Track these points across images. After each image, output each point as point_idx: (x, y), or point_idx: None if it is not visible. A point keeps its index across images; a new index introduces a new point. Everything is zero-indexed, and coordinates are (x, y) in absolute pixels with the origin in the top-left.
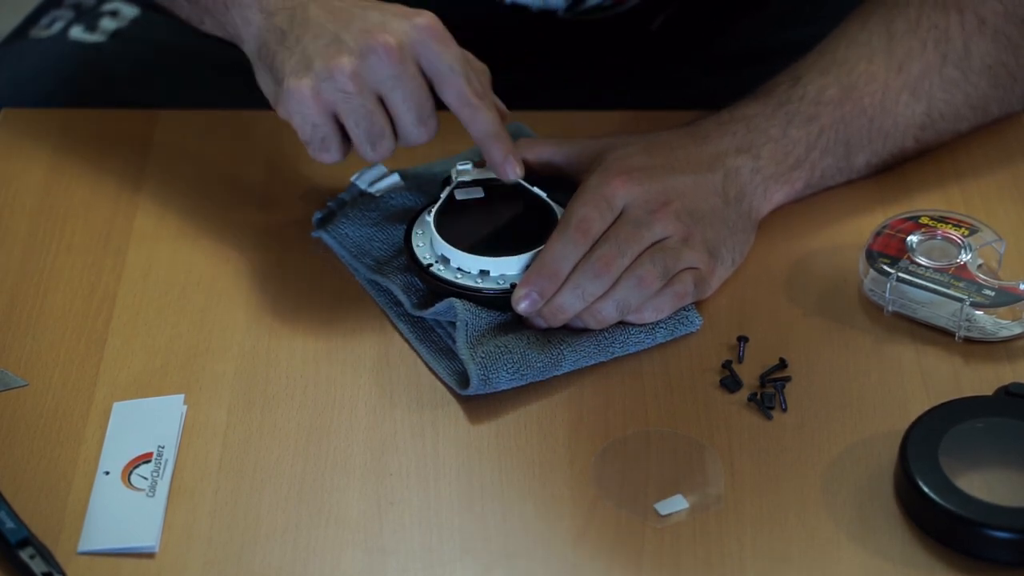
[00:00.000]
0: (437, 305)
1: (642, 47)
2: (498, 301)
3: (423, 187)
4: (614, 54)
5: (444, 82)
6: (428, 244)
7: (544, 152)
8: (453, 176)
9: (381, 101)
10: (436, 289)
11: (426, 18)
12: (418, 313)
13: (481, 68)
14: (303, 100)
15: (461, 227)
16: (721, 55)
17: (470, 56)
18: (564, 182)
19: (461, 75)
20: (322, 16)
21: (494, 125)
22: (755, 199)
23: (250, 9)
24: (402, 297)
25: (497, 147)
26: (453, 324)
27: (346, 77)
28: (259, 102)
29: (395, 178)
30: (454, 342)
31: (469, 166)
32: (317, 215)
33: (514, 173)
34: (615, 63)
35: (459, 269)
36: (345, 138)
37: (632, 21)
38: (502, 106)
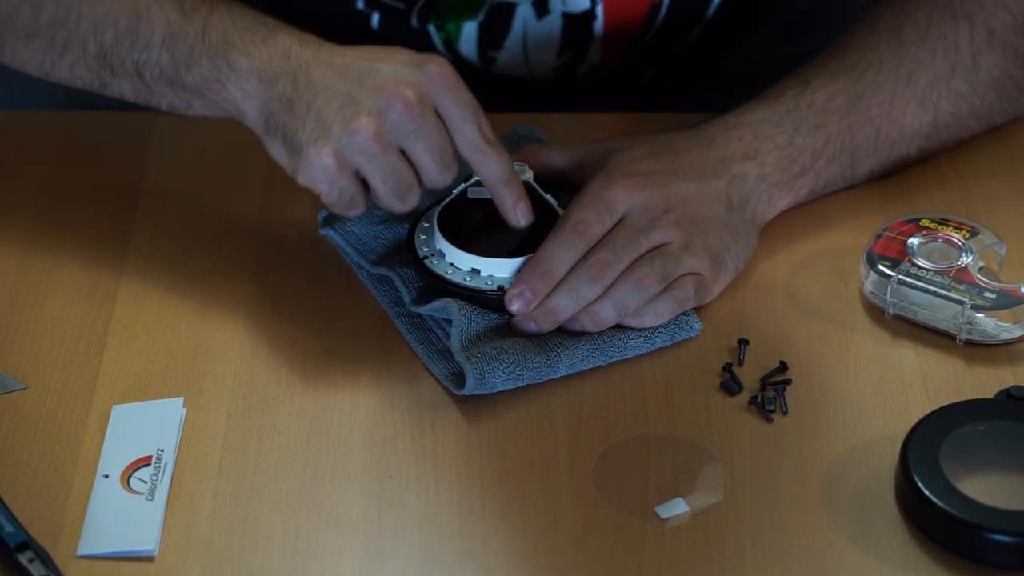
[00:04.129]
0: (434, 303)
1: (632, 98)
2: (491, 302)
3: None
4: (605, 104)
5: (457, 129)
6: (429, 237)
7: (550, 156)
8: (473, 174)
9: (402, 152)
10: (429, 284)
11: (437, 64)
12: (416, 309)
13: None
14: (327, 168)
15: (464, 224)
16: (713, 77)
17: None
18: (572, 186)
19: (474, 122)
20: (329, 76)
21: (506, 170)
22: (759, 206)
23: (248, 81)
24: (402, 289)
25: (508, 192)
26: (451, 323)
27: (368, 139)
28: None
29: None
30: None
31: None
32: (323, 214)
33: (524, 219)
34: (606, 108)
35: (452, 265)
36: (367, 189)
37: (621, 78)
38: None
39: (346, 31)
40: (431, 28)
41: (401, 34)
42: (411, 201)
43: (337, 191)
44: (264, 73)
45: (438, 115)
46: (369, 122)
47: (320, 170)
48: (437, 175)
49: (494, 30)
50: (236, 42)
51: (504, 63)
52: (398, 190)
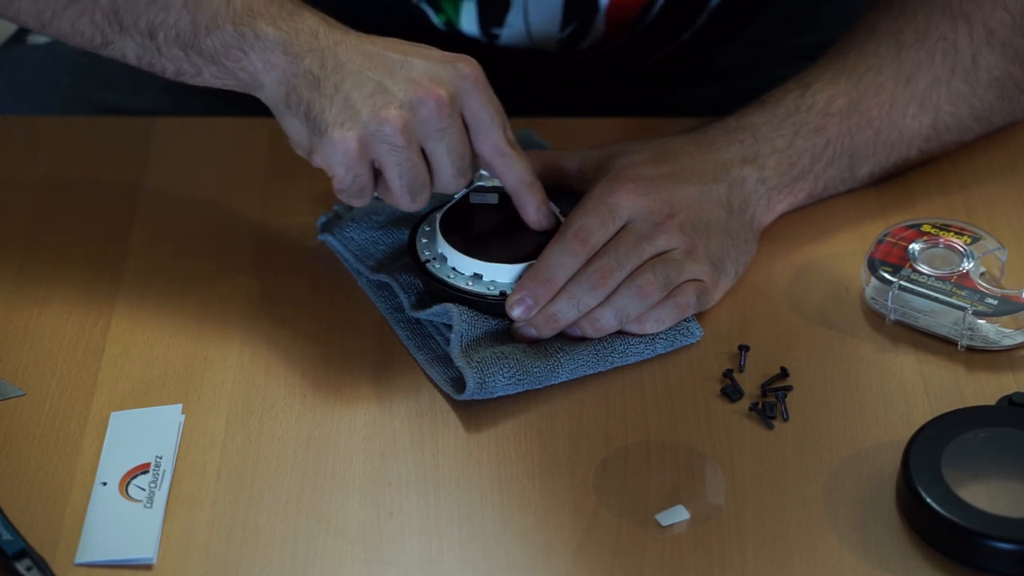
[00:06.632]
0: (434, 307)
1: (638, 78)
2: (493, 307)
3: (434, 192)
4: (610, 84)
5: (482, 132)
6: (431, 241)
7: (550, 163)
8: (475, 179)
9: (421, 150)
10: (430, 288)
11: (470, 65)
12: (415, 314)
13: None
14: (348, 152)
15: (466, 229)
16: (718, 67)
17: None
18: (573, 193)
19: (500, 125)
20: (359, 61)
21: (528, 175)
22: (758, 210)
23: (273, 52)
24: (401, 295)
25: (530, 197)
26: (451, 328)
27: (396, 130)
28: (257, 109)
29: None
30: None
31: None
32: (322, 219)
33: (547, 223)
34: (611, 88)
35: (454, 269)
36: (377, 181)
37: (628, 56)
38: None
39: (344, 11)
40: (428, 9)
41: (399, 13)
42: (421, 201)
43: (352, 177)
44: (290, 46)
45: (462, 119)
46: (399, 114)
47: (342, 153)
48: (451, 179)
49: (493, 6)
50: (262, 12)
51: (508, 38)
52: (412, 187)
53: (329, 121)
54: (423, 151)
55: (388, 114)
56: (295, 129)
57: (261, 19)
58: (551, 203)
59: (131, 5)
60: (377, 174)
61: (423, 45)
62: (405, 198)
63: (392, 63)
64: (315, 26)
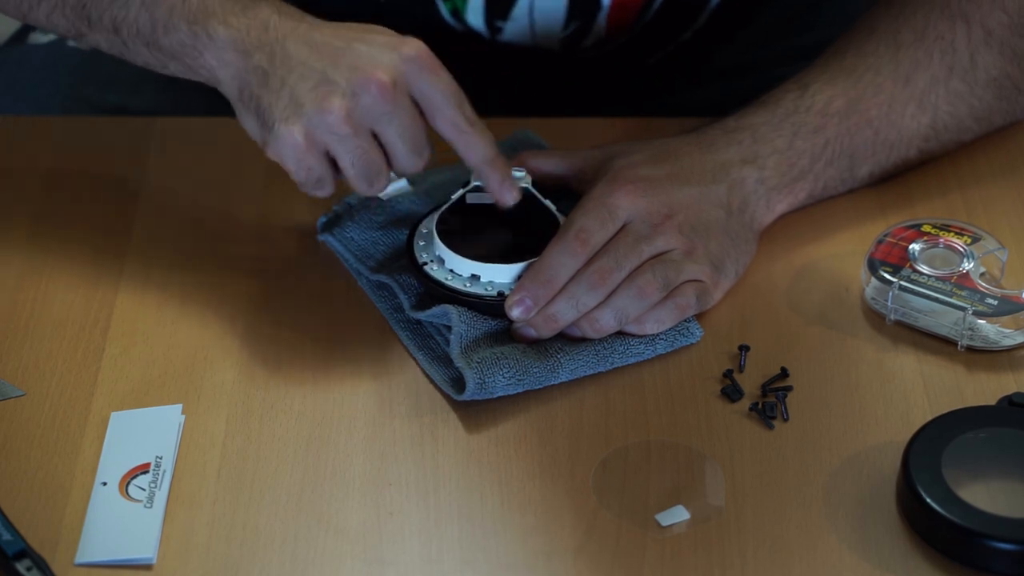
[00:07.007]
0: (434, 308)
1: (638, 77)
2: (491, 308)
3: (431, 192)
4: (610, 83)
5: (436, 111)
6: (428, 244)
7: (549, 163)
8: (472, 179)
9: (374, 135)
10: (429, 290)
11: (414, 47)
12: (415, 315)
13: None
14: (296, 146)
15: (463, 230)
16: (718, 67)
17: None
18: (572, 192)
19: (453, 103)
20: (304, 53)
21: (489, 150)
22: (758, 210)
23: (225, 51)
24: (401, 296)
25: (493, 173)
26: (451, 329)
27: (339, 119)
28: None
29: (403, 183)
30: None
31: None
32: (322, 219)
33: (512, 198)
34: (611, 88)
35: (451, 271)
36: (338, 170)
37: (628, 56)
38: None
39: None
40: None
41: (408, 4)
42: (379, 185)
43: (305, 170)
44: (241, 44)
45: (414, 100)
46: (341, 104)
47: (290, 147)
48: (407, 160)
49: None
50: (216, 10)
51: (510, 33)
52: (366, 173)
53: (276, 117)
54: (376, 136)
55: (330, 104)
56: (250, 125)
57: (213, 18)
58: (548, 202)
59: (96, 2)
60: (334, 162)
61: (374, 28)
62: (361, 184)
63: (336, 51)
64: (267, 18)
